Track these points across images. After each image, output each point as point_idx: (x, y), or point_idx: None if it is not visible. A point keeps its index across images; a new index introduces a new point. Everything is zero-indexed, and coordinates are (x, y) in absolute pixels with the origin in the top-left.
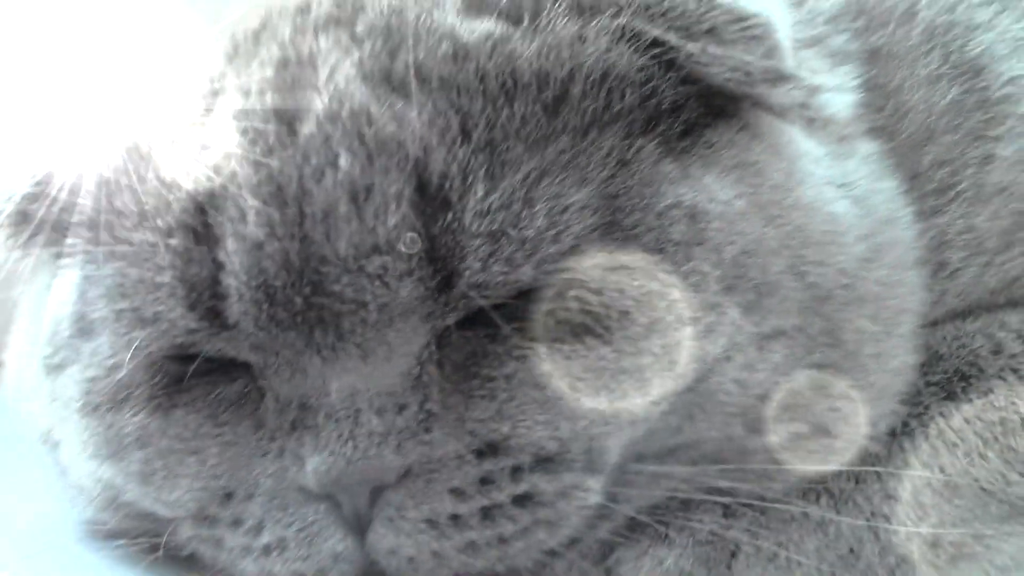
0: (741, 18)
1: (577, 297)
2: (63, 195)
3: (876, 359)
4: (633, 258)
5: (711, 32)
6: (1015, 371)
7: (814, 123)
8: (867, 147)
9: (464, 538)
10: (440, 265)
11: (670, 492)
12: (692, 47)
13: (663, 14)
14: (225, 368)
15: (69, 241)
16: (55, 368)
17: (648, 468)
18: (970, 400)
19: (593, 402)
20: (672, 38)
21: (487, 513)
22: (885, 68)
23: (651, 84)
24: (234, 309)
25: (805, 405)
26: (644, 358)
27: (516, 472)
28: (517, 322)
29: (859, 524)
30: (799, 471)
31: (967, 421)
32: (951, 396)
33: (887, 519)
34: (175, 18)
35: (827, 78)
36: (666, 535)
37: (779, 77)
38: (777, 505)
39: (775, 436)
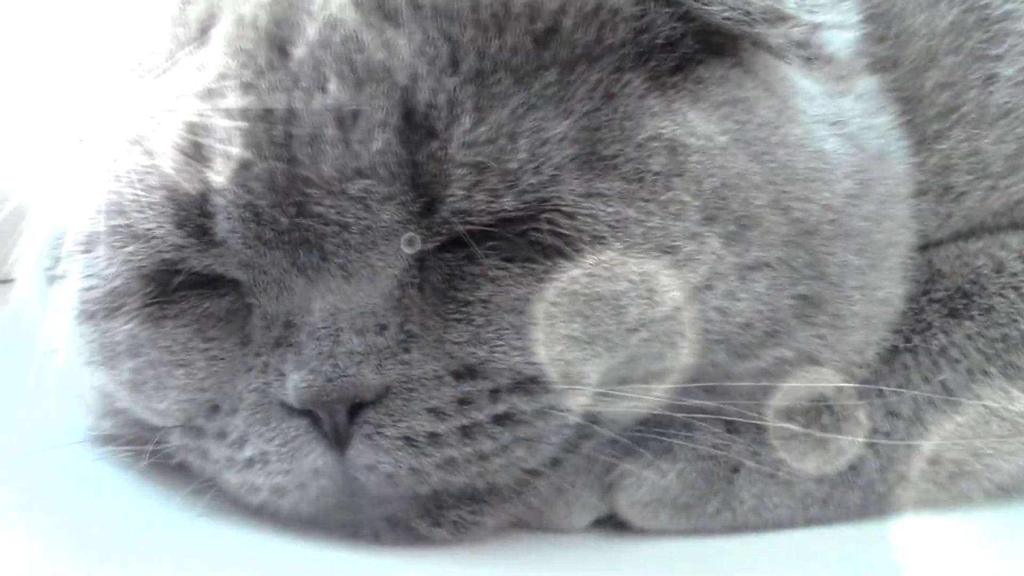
0: None
1: (549, 219)
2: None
3: (861, 291)
4: (610, 186)
5: None
6: (1016, 288)
7: (813, 62)
8: (865, 83)
9: (443, 455)
10: (423, 191)
11: (654, 411)
12: None
13: None
14: (214, 284)
15: (71, 154)
16: (56, 279)
17: (630, 390)
18: (972, 317)
19: (567, 328)
20: None
21: (466, 431)
22: None
23: (646, 19)
24: (221, 227)
25: (788, 332)
26: (619, 284)
27: (494, 393)
28: (492, 247)
29: (859, 441)
30: (786, 393)
31: (969, 337)
32: (953, 313)
33: (887, 436)
34: None
35: (829, 16)
36: (669, 448)
37: (778, 17)
38: (778, 424)
39: (760, 361)
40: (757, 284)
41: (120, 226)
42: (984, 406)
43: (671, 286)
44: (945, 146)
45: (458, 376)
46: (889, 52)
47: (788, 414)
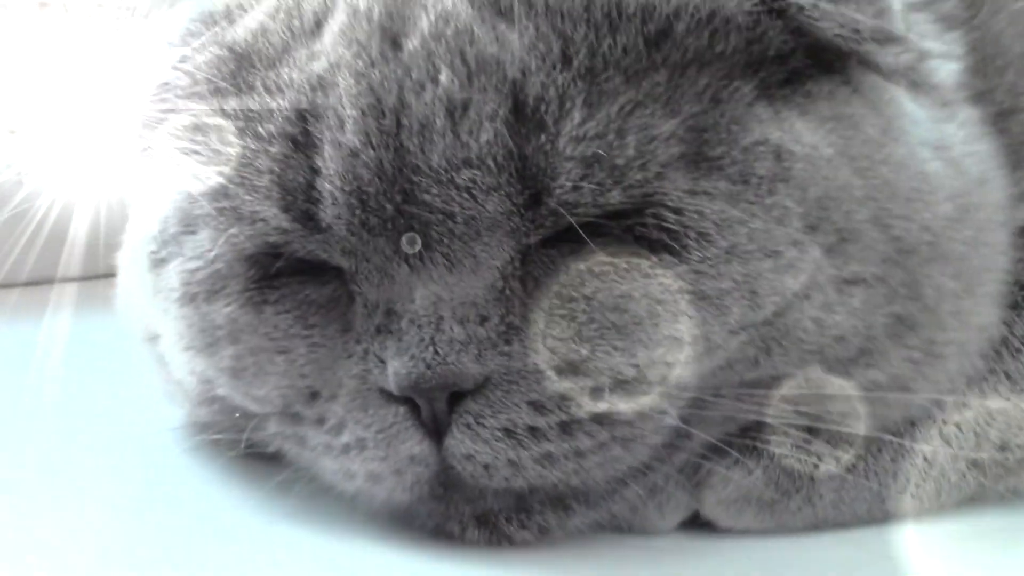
0: None
1: (655, 215)
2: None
3: (956, 316)
4: (716, 184)
5: None
6: None
7: (919, 87)
8: (966, 112)
9: (541, 449)
10: (530, 183)
11: (748, 420)
12: (804, 2)
13: None
14: (316, 271)
15: (180, 144)
16: (160, 262)
17: (725, 400)
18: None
19: (671, 329)
20: None
21: (565, 427)
22: (986, 20)
23: (758, 30)
24: (328, 212)
25: (882, 352)
26: (724, 282)
27: (595, 391)
28: (599, 238)
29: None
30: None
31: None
32: (1014, 306)
33: (958, 427)
34: None
35: (935, 44)
36: (754, 448)
37: (887, 38)
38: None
39: (852, 381)
40: (853, 299)
41: (226, 208)
42: None
43: (773, 290)
44: None
45: (559, 372)
46: (988, 84)
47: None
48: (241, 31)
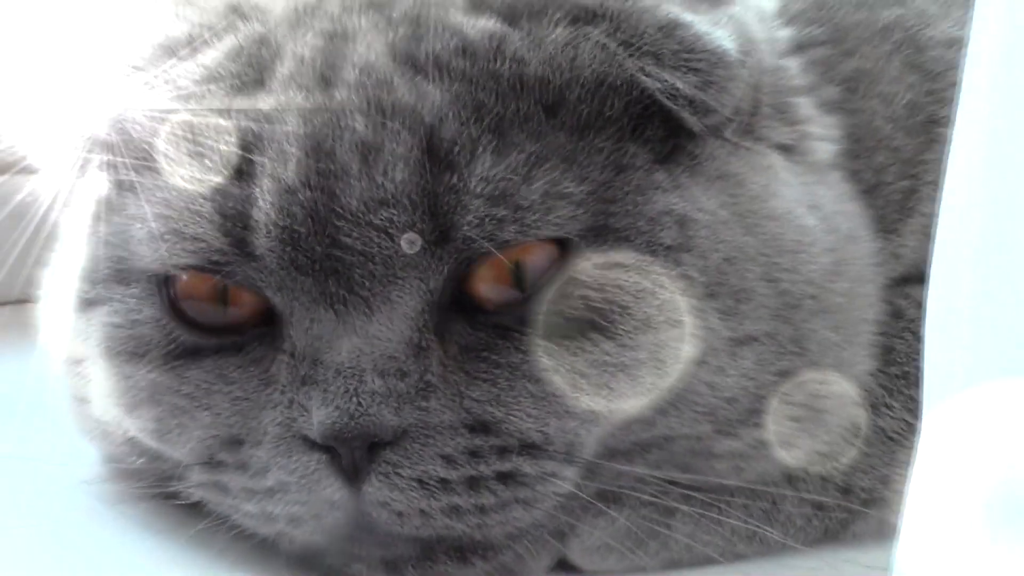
0: (690, 50)
1: (581, 296)
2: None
3: (837, 369)
4: (626, 256)
5: (657, 55)
6: (913, 332)
7: (795, 159)
8: (835, 176)
9: (449, 501)
10: (440, 221)
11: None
12: (632, 64)
13: (626, 32)
14: (234, 345)
15: (126, 176)
16: (88, 304)
17: (618, 467)
18: (875, 356)
19: (590, 401)
20: (621, 53)
21: (472, 482)
22: (861, 105)
23: (633, 92)
24: (261, 242)
25: (769, 413)
26: (640, 353)
27: (503, 451)
28: (527, 324)
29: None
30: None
31: (872, 375)
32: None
33: (805, 470)
34: None
35: (815, 128)
36: (618, 497)
37: (706, 109)
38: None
39: (740, 442)
40: (745, 360)
41: (168, 231)
42: (889, 438)
43: (676, 358)
44: (903, 232)
45: (472, 429)
46: (859, 165)
47: None
48: (200, 66)
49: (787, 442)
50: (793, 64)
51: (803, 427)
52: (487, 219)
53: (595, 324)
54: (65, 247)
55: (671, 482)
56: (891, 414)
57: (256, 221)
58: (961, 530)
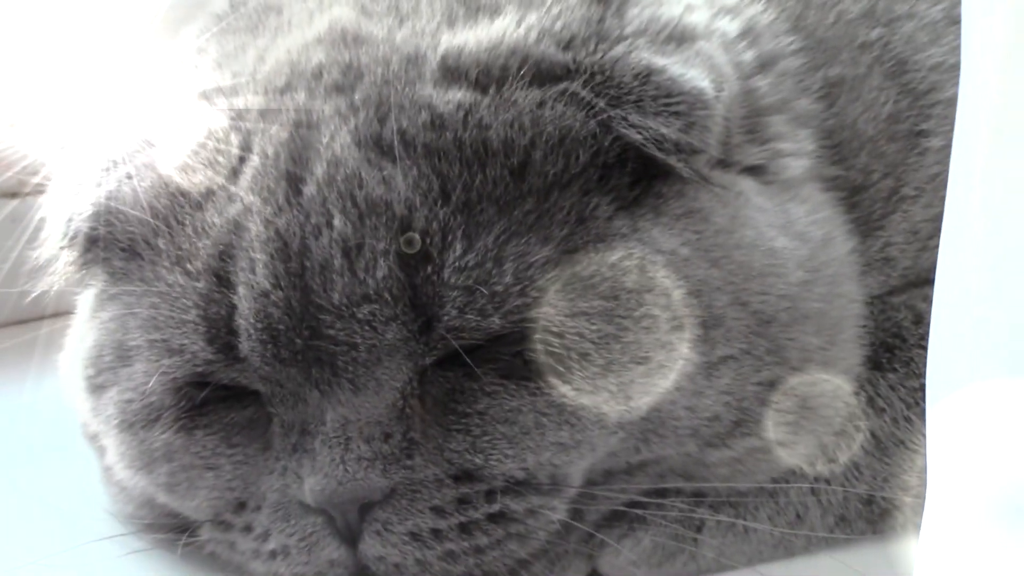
0: (668, 95)
1: (542, 340)
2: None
3: (825, 369)
4: (592, 304)
5: (638, 103)
6: (923, 347)
7: (768, 182)
8: (809, 188)
9: (444, 548)
10: (421, 311)
11: (631, 502)
12: (615, 113)
13: (603, 83)
14: (238, 396)
15: (119, 265)
16: (98, 388)
17: (610, 488)
18: (894, 369)
19: (555, 436)
20: (601, 104)
21: (464, 528)
22: (843, 106)
23: (599, 141)
24: (244, 346)
25: (756, 420)
26: (601, 395)
27: (490, 495)
28: (490, 363)
29: (804, 487)
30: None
31: (892, 388)
32: (877, 366)
33: (827, 482)
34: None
35: (787, 144)
36: (643, 518)
37: (692, 151)
38: (733, 484)
39: (731, 451)
40: (722, 379)
41: (157, 340)
42: (908, 449)
43: (645, 392)
44: (885, 234)
45: (457, 479)
46: (842, 168)
47: None
48: (171, 166)
49: (787, 444)
50: (763, 83)
51: (801, 428)
52: (467, 307)
53: (553, 368)
54: (74, 333)
55: (694, 495)
56: (909, 427)
57: (238, 325)
58: (966, 526)
